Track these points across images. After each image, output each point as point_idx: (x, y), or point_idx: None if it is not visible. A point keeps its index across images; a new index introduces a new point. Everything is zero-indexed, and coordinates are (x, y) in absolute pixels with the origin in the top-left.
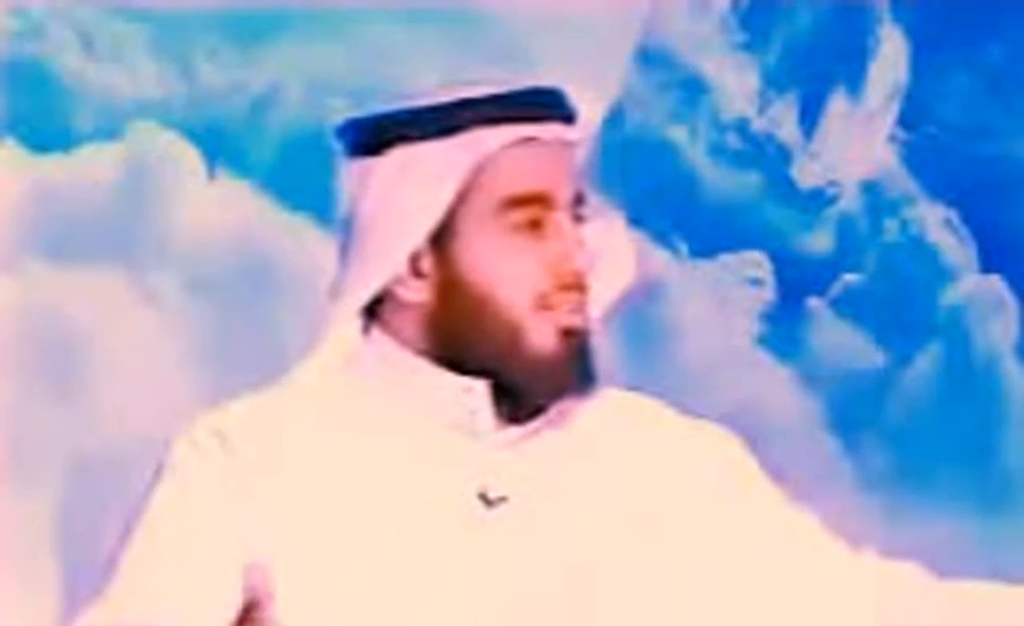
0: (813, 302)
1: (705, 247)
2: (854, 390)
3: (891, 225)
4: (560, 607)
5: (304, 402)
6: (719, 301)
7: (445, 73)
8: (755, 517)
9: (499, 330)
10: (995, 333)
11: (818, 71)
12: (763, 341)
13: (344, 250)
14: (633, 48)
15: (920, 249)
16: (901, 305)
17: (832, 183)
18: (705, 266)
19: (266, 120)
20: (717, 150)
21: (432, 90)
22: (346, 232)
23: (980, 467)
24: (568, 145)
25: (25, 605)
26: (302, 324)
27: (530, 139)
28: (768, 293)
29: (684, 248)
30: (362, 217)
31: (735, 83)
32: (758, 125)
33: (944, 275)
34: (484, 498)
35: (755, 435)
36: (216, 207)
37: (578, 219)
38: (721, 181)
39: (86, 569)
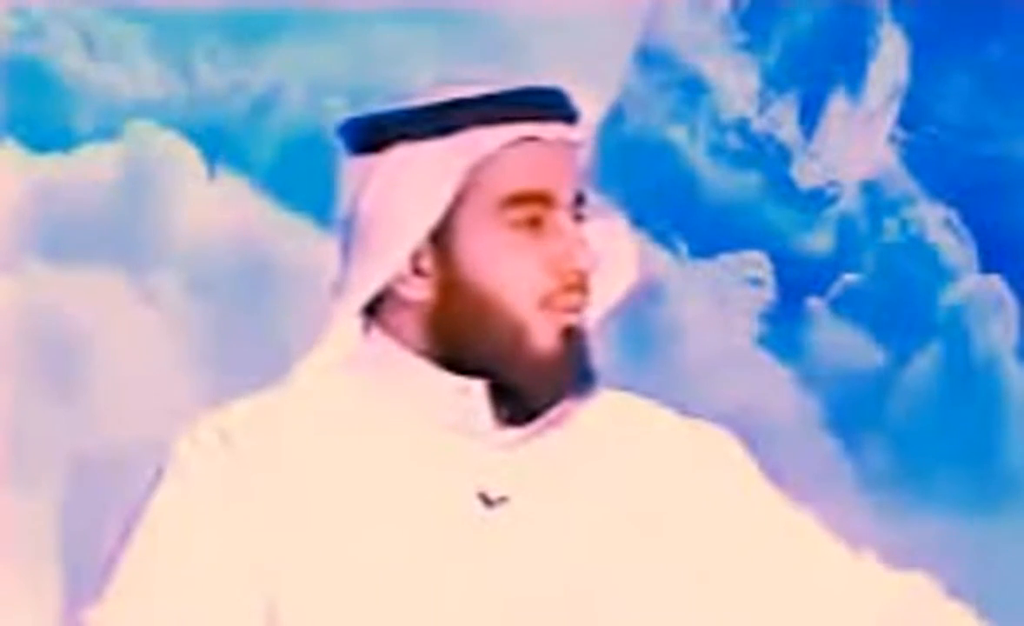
0: (813, 302)
1: (705, 247)
2: (854, 390)
3: (891, 225)
4: (560, 607)
5: (305, 402)
6: (719, 301)
7: (445, 73)
8: (754, 518)
9: (502, 329)
10: (995, 333)
11: (818, 71)
12: (763, 341)
13: (345, 249)
14: (633, 48)
15: (920, 249)
16: (901, 305)
17: (832, 183)
18: (705, 266)
19: (266, 120)
20: (717, 150)
21: (432, 89)
22: (347, 231)
23: (980, 467)
24: (570, 145)
25: (26, 605)
26: (302, 324)
27: (531, 138)
28: (768, 293)
29: (684, 248)
30: (363, 215)
31: (735, 83)
32: (758, 125)
33: (944, 275)
34: (484, 498)
35: (755, 435)
36: (216, 207)
37: (578, 219)
38: (721, 181)
39: (86, 569)
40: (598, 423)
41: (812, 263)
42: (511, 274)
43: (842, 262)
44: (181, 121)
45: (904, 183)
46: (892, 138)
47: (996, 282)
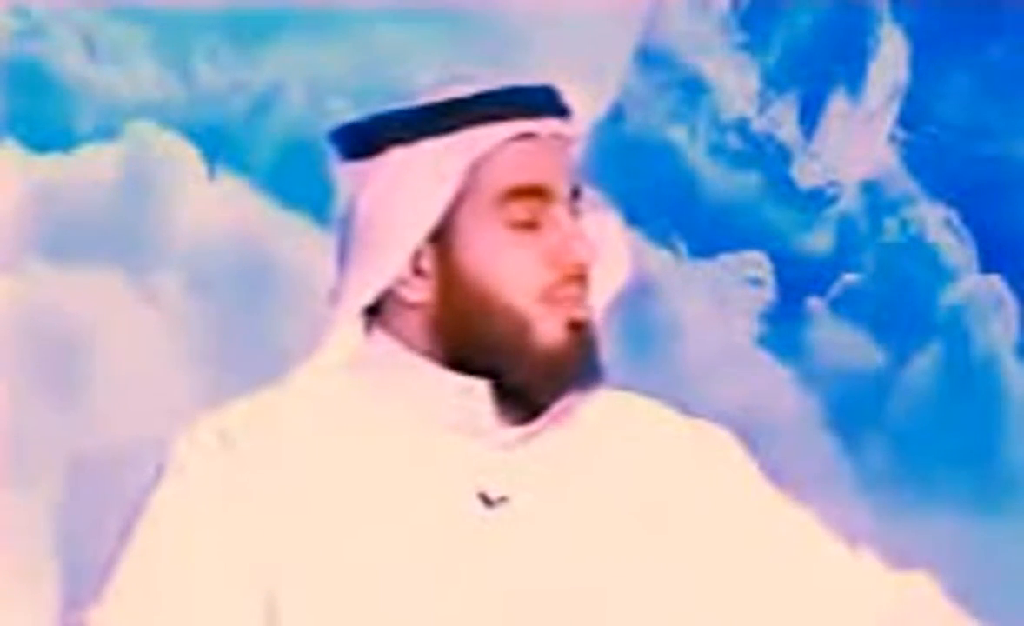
0: (813, 302)
1: (705, 247)
2: (854, 390)
3: (891, 225)
4: (560, 607)
5: (306, 402)
6: (719, 301)
7: (445, 74)
8: (754, 517)
9: (505, 325)
10: (995, 333)
11: (818, 71)
12: (763, 341)
13: (344, 252)
14: (633, 48)
15: (920, 249)
16: (901, 305)
17: (832, 183)
18: (705, 266)
19: (266, 120)
20: (717, 150)
21: (427, 88)
22: (345, 235)
23: (980, 467)
24: (564, 140)
25: (25, 605)
26: (302, 324)
27: (526, 134)
28: (768, 293)
29: (684, 248)
30: (361, 219)
31: (735, 83)
32: (758, 125)
33: (944, 275)
34: (484, 498)
35: (755, 435)
36: (216, 207)
37: (574, 213)
38: (721, 181)
39: (86, 569)
40: (598, 422)
41: (812, 263)
42: (511, 270)
43: (842, 262)
44: (181, 121)
45: (904, 183)
46: (892, 138)
47: (996, 282)
